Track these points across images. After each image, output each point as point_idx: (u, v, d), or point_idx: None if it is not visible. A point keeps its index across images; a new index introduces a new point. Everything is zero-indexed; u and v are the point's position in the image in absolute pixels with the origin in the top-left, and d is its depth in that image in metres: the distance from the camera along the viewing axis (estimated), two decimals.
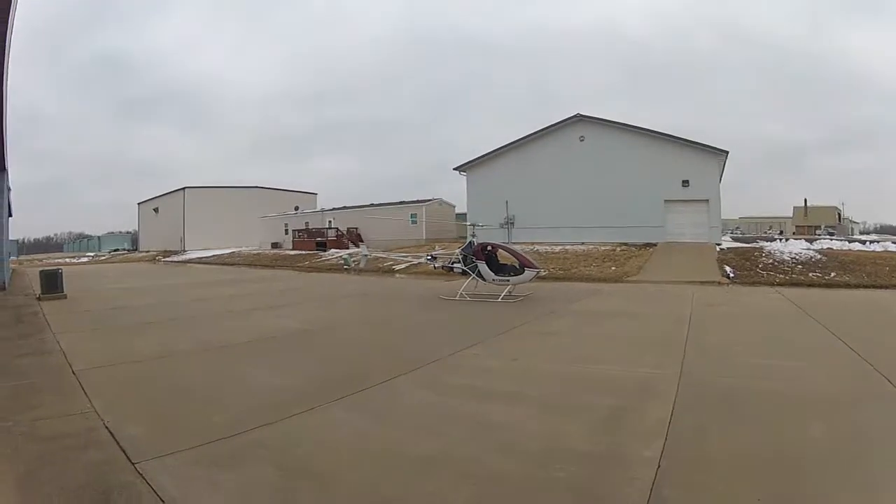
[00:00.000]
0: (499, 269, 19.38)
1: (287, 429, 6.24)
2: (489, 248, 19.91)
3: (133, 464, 5.12)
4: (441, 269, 21.70)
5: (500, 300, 17.88)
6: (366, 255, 26.82)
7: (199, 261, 52.64)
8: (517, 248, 22.67)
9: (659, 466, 5.09)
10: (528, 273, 18.76)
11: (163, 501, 4.44)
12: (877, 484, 4.68)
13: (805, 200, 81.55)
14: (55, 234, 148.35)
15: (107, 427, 6.16)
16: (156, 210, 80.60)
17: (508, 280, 18.80)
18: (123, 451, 5.42)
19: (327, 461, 5.33)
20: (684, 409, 6.80)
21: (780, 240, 35.79)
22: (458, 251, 20.79)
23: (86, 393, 7.60)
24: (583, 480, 4.91)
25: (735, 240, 40.52)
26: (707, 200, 35.68)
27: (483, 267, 19.12)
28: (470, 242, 20.19)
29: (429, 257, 22.72)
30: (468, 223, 20.35)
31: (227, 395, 7.69)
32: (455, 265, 20.28)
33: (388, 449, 5.66)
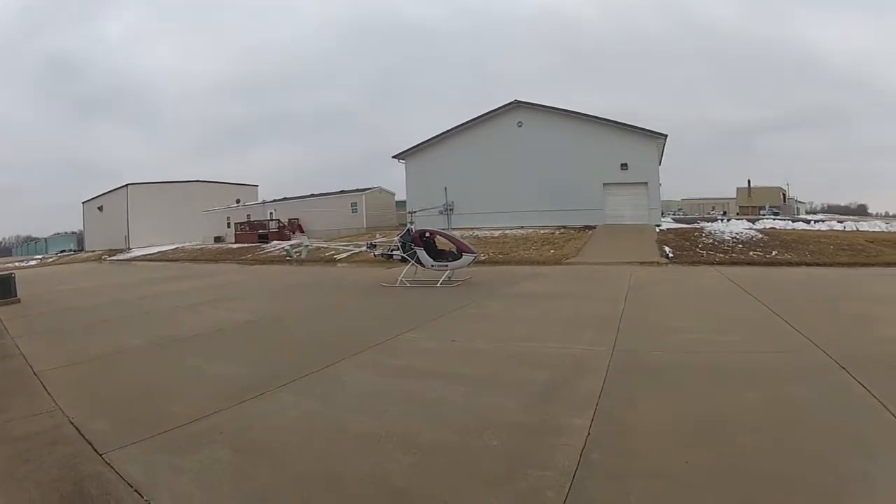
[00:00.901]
0: (437, 255, 19.54)
1: (240, 414, 6.47)
2: (427, 234, 20.00)
3: (100, 455, 5.33)
4: (381, 257, 21.65)
5: (439, 285, 18.03)
6: (307, 246, 26.66)
7: (144, 258, 51.60)
8: (455, 233, 22.77)
9: (589, 434, 5.34)
10: (466, 258, 18.89)
11: (131, 486, 4.68)
12: (800, 449, 4.86)
13: (749, 181, 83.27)
14: (3, 239, 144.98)
15: (73, 423, 6.33)
16: (100, 208, 78.74)
17: (447, 265, 18.94)
18: (90, 444, 5.63)
19: (278, 441, 5.60)
20: (615, 382, 7.03)
21: (722, 220, 36.30)
22: (396, 239, 20.87)
23: (49, 393, 7.70)
24: (516, 447, 5.16)
25: (676, 221, 41.06)
26: (646, 183, 36.26)
27: (422, 253, 19.24)
28: (408, 230, 20.24)
29: (368, 245, 22.64)
30: (407, 211, 20.25)
31: (181, 386, 7.89)
32: (394, 252, 20.34)
33: (334, 427, 5.93)
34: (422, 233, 19.90)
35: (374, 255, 22.04)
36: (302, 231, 47.04)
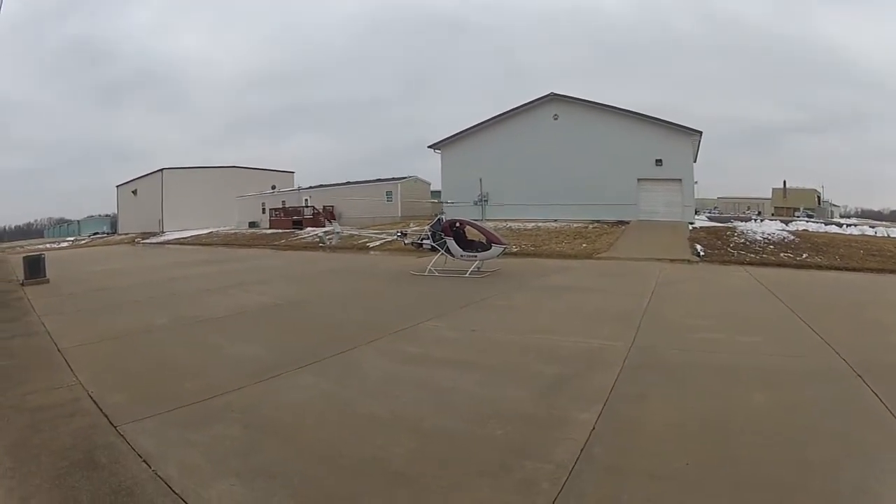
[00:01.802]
0: (467, 245, 19.53)
1: (255, 393, 6.68)
2: (457, 224, 20.00)
3: (115, 427, 5.56)
4: (411, 246, 21.73)
5: (467, 275, 18.08)
6: (338, 233, 26.81)
7: (177, 241, 52.14)
8: (489, 225, 22.76)
9: (593, 429, 5.38)
10: (496, 249, 18.90)
11: (140, 456, 4.88)
12: (805, 454, 4.85)
13: (784, 182, 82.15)
14: (35, 220, 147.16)
15: (91, 397, 6.56)
16: (134, 192, 79.62)
17: (476, 256, 18.95)
18: (106, 417, 5.86)
19: (289, 420, 5.80)
20: (627, 378, 7.06)
21: (756, 220, 35.87)
22: (427, 227, 20.96)
23: (71, 368, 7.94)
24: (518, 438, 5.24)
25: (711, 219, 40.60)
26: (680, 180, 35.86)
27: (451, 243, 19.27)
28: (438, 219, 20.32)
29: (399, 234, 22.77)
30: (440, 200, 20.33)
31: (201, 364, 8.12)
32: (424, 241, 20.37)
33: (344, 410, 6.10)
34: (452, 222, 19.92)
35: (405, 243, 22.14)
36: (335, 218, 47.15)
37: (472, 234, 20.30)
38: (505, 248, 19.73)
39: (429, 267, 19.35)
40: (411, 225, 31.44)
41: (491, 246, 18.93)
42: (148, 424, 5.64)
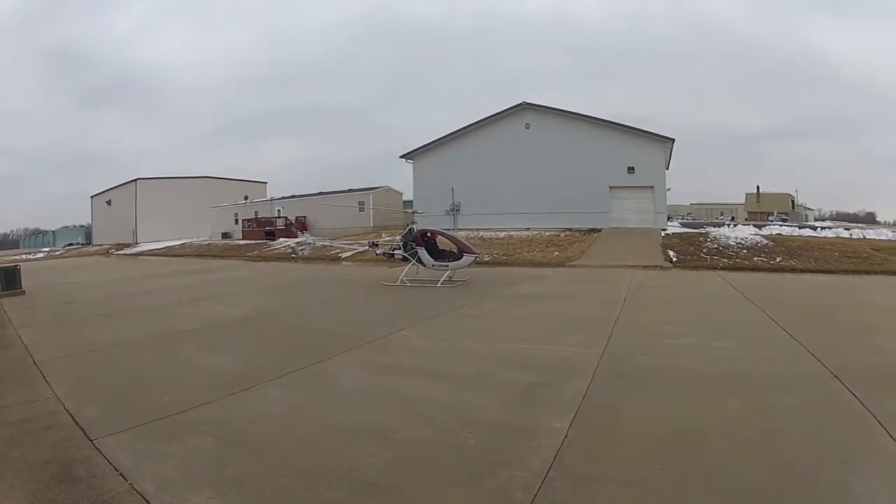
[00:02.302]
0: (438, 254, 19.54)
1: (227, 406, 6.64)
2: (428, 234, 20.00)
3: (91, 440, 5.55)
4: (383, 256, 21.65)
5: (439, 285, 18.05)
6: (310, 244, 26.62)
7: (151, 253, 51.95)
8: (460, 234, 22.78)
9: (566, 437, 5.33)
10: (467, 258, 18.90)
11: (116, 470, 4.86)
12: (783, 457, 4.81)
13: (757, 187, 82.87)
14: (11, 231, 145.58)
15: (67, 410, 6.55)
16: (108, 203, 78.93)
17: (447, 265, 18.95)
18: (83, 431, 5.84)
19: (261, 432, 5.77)
20: (600, 385, 7.01)
21: (730, 225, 36.14)
22: (398, 238, 20.88)
23: (47, 381, 7.90)
24: (491, 446, 5.19)
25: (684, 225, 40.81)
26: (652, 187, 36.11)
27: (423, 253, 19.27)
28: (410, 229, 20.29)
29: (371, 244, 22.65)
30: (413, 210, 20.24)
31: (174, 377, 8.09)
32: (396, 251, 20.34)
33: (316, 421, 6.09)
34: (423, 232, 19.91)
35: (377, 253, 22.04)
36: (306, 229, 47.00)
37: (443, 243, 20.29)
38: (476, 258, 19.75)
39: (400, 277, 19.27)
40: (383, 235, 31.27)
41: (462, 255, 18.94)
42: (123, 438, 5.60)
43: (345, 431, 5.67)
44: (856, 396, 6.13)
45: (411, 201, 44.32)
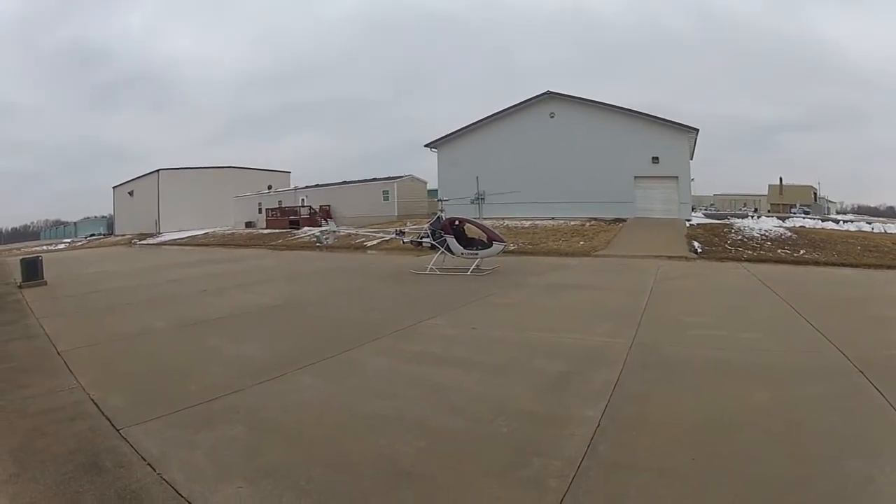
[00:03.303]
0: (467, 243, 19.50)
1: (257, 394, 6.68)
2: (457, 222, 19.93)
3: (117, 430, 5.57)
4: (410, 244, 21.69)
5: (469, 273, 18.11)
6: (335, 232, 26.71)
7: (174, 242, 52.00)
8: (486, 223, 22.72)
9: (598, 426, 5.40)
10: (496, 246, 18.91)
11: (144, 460, 4.89)
12: (809, 449, 4.87)
13: (780, 179, 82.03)
14: (32, 223, 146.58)
15: (92, 400, 6.56)
16: (130, 193, 79.04)
17: (476, 254, 18.94)
18: (109, 420, 5.87)
19: (292, 421, 5.80)
20: (630, 375, 7.08)
21: (753, 217, 35.89)
22: (426, 225, 20.89)
23: (71, 371, 7.94)
24: (524, 435, 5.26)
25: (707, 216, 40.51)
26: (677, 177, 35.84)
27: (451, 241, 19.27)
28: (438, 217, 20.26)
29: (397, 232, 22.71)
30: (438, 199, 20.19)
31: (201, 366, 8.12)
32: (424, 239, 20.35)
33: (347, 409, 6.11)
34: (452, 220, 19.86)
35: (404, 241, 22.07)
36: (331, 217, 47.09)
37: (471, 231, 20.21)
38: (505, 246, 19.75)
39: (429, 265, 19.37)
40: (408, 224, 31.32)
41: (492, 244, 18.93)
42: (151, 427, 5.63)
43: (376, 420, 5.73)
44: (879, 391, 6.16)
45: (436, 190, 44.33)
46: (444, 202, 21.65)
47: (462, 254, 19.19)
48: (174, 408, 6.16)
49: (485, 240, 19.29)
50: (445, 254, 19.50)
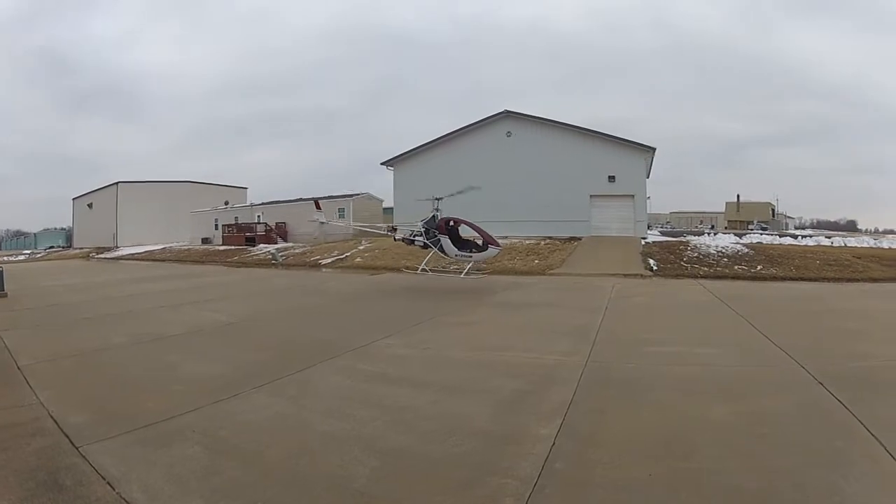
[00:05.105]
0: (461, 244, 19.31)
1: (214, 413, 6.60)
2: (451, 222, 19.63)
3: (76, 448, 5.48)
4: (402, 242, 21.43)
5: (462, 276, 18.60)
6: (325, 223, 26.29)
7: (131, 257, 51.49)
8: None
9: (554, 444, 5.35)
10: (491, 250, 18.96)
11: (103, 478, 4.79)
12: (771, 462, 4.85)
13: (738, 196, 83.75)
14: None
15: (52, 416, 6.48)
16: (90, 206, 77.98)
17: (471, 256, 18.84)
18: (68, 437, 5.77)
19: (248, 441, 5.72)
20: (585, 393, 7.04)
21: (710, 234, 36.34)
22: (420, 224, 20.38)
23: (31, 386, 7.84)
24: (480, 454, 5.19)
25: (663, 234, 40.96)
26: (633, 196, 36.27)
27: (446, 241, 19.04)
28: (433, 216, 19.80)
29: (389, 229, 22.46)
30: (432, 196, 19.68)
31: (159, 383, 8.03)
32: (417, 238, 20.00)
33: (302, 429, 6.05)
34: (447, 220, 19.54)
35: (396, 239, 21.93)
36: (283, 237, 46.95)
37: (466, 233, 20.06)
38: (500, 251, 19.92)
39: (421, 266, 19.53)
40: (363, 242, 31.19)
41: (487, 247, 18.90)
42: (109, 445, 5.54)
43: (331, 440, 5.65)
44: (840, 401, 6.21)
45: (391, 208, 44.23)
46: (439, 200, 20.82)
47: (456, 255, 19.03)
48: (133, 425, 6.06)
49: (480, 243, 19.14)
50: (431, 255, 19.43)
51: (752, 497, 4.24)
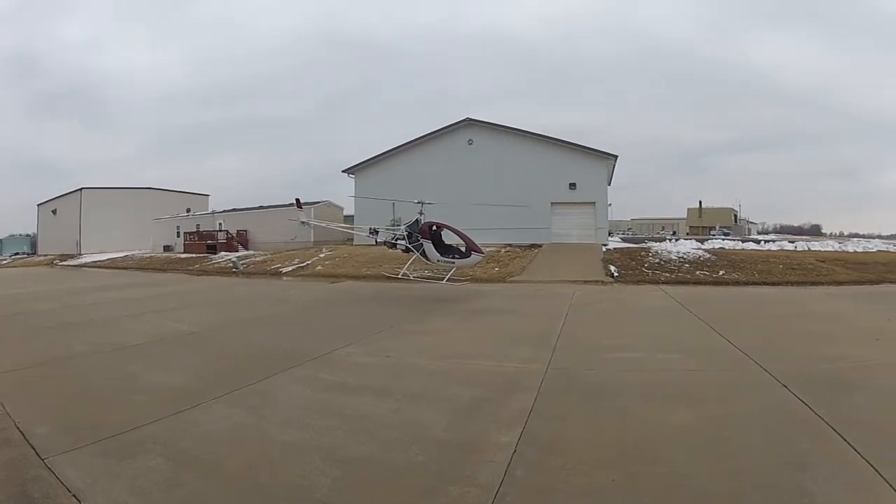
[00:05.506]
0: (444, 250, 19.05)
1: (175, 424, 6.53)
2: (434, 227, 19.33)
3: (42, 459, 5.45)
4: (384, 245, 21.21)
5: (444, 283, 18.46)
6: (311, 226, 26.13)
7: (94, 265, 50.78)
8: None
9: (515, 451, 5.32)
10: (474, 257, 18.64)
11: (69, 491, 4.77)
12: (736, 464, 4.87)
13: (700, 202, 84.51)
14: None
15: (17, 427, 6.42)
16: (54, 212, 76.88)
17: (453, 262, 18.59)
18: (33, 449, 5.73)
19: (209, 451, 5.67)
20: (546, 399, 7.00)
21: (672, 240, 36.69)
22: (403, 227, 20.06)
23: None
24: (441, 463, 5.16)
25: (625, 241, 41.24)
26: (594, 203, 36.63)
27: (428, 247, 18.71)
28: (416, 220, 19.49)
29: (371, 231, 22.01)
30: (416, 200, 19.46)
31: (121, 394, 7.93)
32: (399, 242, 19.62)
33: (263, 439, 5.99)
34: (430, 225, 19.26)
35: (377, 241, 21.75)
36: (245, 245, 46.62)
37: (449, 238, 19.91)
38: (483, 258, 19.78)
39: (402, 270, 19.58)
40: (324, 250, 30.98)
41: (470, 254, 18.64)
42: (74, 456, 5.49)
43: (292, 449, 5.62)
44: (804, 402, 6.27)
45: (352, 216, 44.12)
46: (424, 205, 20.54)
47: (438, 261, 18.83)
48: (96, 437, 5.99)
49: (463, 249, 18.96)
50: (414, 259, 19.41)
51: (720, 501, 4.26)
